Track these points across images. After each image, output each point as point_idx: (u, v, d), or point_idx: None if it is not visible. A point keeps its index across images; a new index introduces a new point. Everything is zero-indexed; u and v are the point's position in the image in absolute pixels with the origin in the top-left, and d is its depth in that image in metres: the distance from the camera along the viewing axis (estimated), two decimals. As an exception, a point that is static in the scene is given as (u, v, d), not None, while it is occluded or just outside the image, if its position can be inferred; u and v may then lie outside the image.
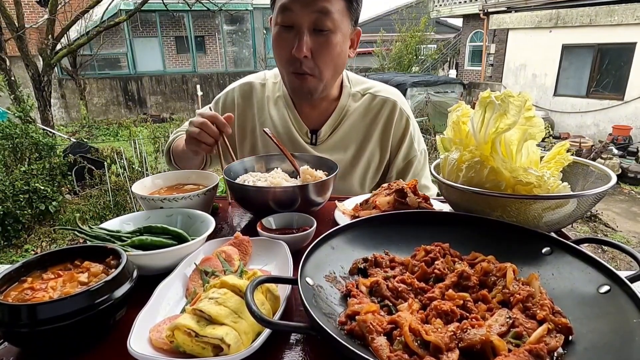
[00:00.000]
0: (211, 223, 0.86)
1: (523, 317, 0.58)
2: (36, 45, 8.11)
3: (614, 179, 0.80)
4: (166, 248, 0.76)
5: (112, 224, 0.88)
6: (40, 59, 7.67)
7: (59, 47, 7.94)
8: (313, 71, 1.21)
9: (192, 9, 9.07)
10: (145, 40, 14.33)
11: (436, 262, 0.70)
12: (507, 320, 0.57)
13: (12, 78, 7.29)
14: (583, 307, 0.60)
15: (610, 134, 9.25)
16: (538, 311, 0.58)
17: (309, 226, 0.91)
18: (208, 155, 1.44)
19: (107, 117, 13.22)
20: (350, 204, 1.08)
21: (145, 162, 5.57)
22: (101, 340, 0.63)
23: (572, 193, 0.79)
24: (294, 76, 1.23)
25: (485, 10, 12.87)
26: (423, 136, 1.57)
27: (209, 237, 0.84)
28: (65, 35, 8.13)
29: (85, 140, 9.12)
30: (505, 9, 12.07)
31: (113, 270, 0.64)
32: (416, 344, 0.52)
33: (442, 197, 1.11)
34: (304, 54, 1.15)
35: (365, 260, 0.73)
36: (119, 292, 0.61)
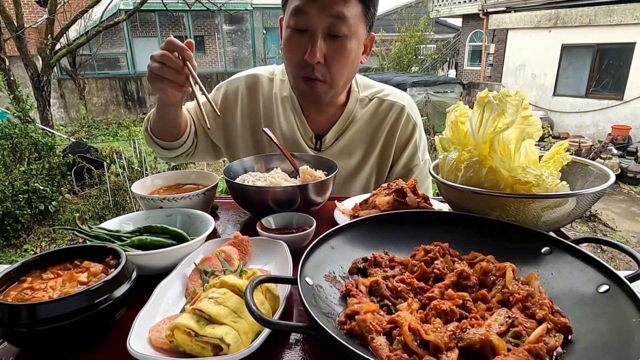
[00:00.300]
0: (211, 223, 0.86)
1: (522, 317, 0.58)
2: (35, 45, 8.10)
3: (613, 178, 0.80)
4: (166, 248, 0.76)
5: (112, 224, 0.88)
6: (40, 58, 7.66)
7: (58, 46, 7.93)
8: (324, 77, 1.16)
9: (192, 8, 9.05)
10: (145, 40, 14.33)
11: (436, 262, 0.70)
12: (507, 319, 0.57)
13: (12, 78, 7.29)
14: (582, 307, 0.60)
15: (609, 134, 9.26)
16: (537, 311, 0.59)
17: (308, 226, 0.91)
18: (193, 136, 1.34)
19: (107, 117, 13.22)
20: (349, 203, 1.08)
21: (145, 162, 5.57)
22: (101, 340, 0.63)
23: (570, 192, 0.79)
24: (303, 80, 1.18)
25: (485, 10, 12.88)
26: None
27: (209, 237, 0.84)
28: (64, 35, 8.12)
29: (84, 140, 9.12)
30: (505, 8, 12.08)
31: (113, 270, 0.64)
32: (415, 343, 0.52)
33: (441, 197, 1.11)
34: (317, 60, 1.10)
35: (365, 260, 0.73)
36: (119, 292, 0.61)
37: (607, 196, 6.48)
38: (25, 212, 4.60)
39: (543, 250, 0.72)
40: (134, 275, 0.66)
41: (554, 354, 0.53)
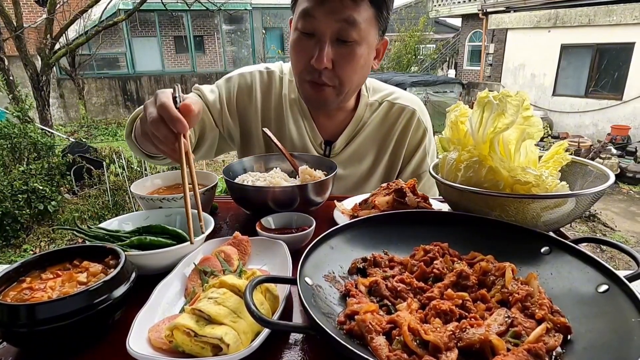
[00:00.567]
0: (210, 223, 0.86)
1: (522, 317, 0.58)
2: (35, 45, 8.09)
3: (612, 178, 0.80)
4: (165, 248, 0.76)
5: (111, 224, 0.88)
6: (39, 58, 7.65)
7: (57, 46, 7.92)
8: (332, 82, 1.12)
9: (191, 8, 9.05)
10: (144, 40, 14.33)
11: (435, 262, 0.70)
12: (506, 319, 0.57)
13: (11, 77, 7.28)
14: (582, 307, 0.60)
15: (608, 134, 9.26)
16: (537, 310, 0.59)
17: (308, 226, 0.91)
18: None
19: (106, 117, 13.21)
20: (349, 203, 1.08)
21: (144, 162, 5.56)
22: (100, 340, 0.63)
23: (570, 192, 0.79)
24: (309, 85, 1.14)
25: (484, 10, 12.88)
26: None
27: (208, 237, 0.84)
28: (63, 35, 8.11)
29: (84, 140, 9.11)
30: (504, 8, 12.09)
31: (112, 270, 0.64)
32: (415, 343, 0.52)
33: (441, 197, 1.11)
34: (324, 65, 1.06)
35: (364, 260, 0.73)
36: (118, 292, 0.61)
37: (606, 196, 6.49)
38: (24, 212, 4.59)
39: (542, 250, 0.72)
40: (134, 275, 0.66)
41: (554, 353, 0.53)
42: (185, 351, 0.56)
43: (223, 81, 1.35)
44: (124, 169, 5.23)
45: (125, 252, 0.68)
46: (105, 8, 8.53)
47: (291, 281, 0.62)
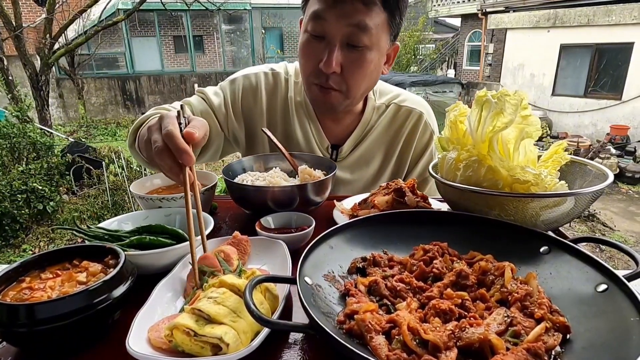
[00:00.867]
0: (210, 222, 0.86)
1: (521, 316, 0.58)
2: (34, 45, 8.08)
3: (611, 178, 0.80)
4: (165, 247, 0.76)
5: (111, 224, 0.88)
6: (38, 58, 7.64)
7: (56, 46, 7.92)
8: (340, 86, 1.10)
9: (191, 8, 9.04)
10: (144, 40, 14.32)
11: (435, 261, 0.70)
12: (505, 319, 0.57)
13: (10, 77, 7.27)
14: (581, 306, 0.61)
15: (608, 134, 9.27)
16: (536, 310, 0.59)
17: (307, 225, 0.91)
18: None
19: (105, 117, 13.21)
20: (348, 203, 1.08)
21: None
22: (100, 340, 0.63)
23: (569, 191, 0.79)
24: (317, 88, 1.12)
25: (484, 10, 12.89)
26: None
27: (208, 237, 0.84)
28: (63, 35, 8.11)
29: (83, 139, 9.11)
30: (504, 8, 12.09)
31: (112, 269, 0.64)
32: (415, 342, 0.52)
33: (440, 197, 1.11)
34: (333, 70, 1.04)
35: (364, 259, 0.73)
36: (118, 291, 0.61)
37: (605, 196, 6.50)
38: (23, 212, 4.59)
39: (542, 249, 0.72)
40: (133, 275, 0.66)
41: (553, 353, 0.53)
42: (185, 351, 0.56)
43: (227, 83, 1.33)
44: (123, 169, 5.23)
45: (125, 252, 0.68)
46: (105, 8, 8.53)
47: (291, 281, 0.62)
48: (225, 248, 0.79)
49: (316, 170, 1.12)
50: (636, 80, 9.32)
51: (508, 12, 11.91)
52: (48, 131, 7.08)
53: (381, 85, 1.38)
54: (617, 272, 0.60)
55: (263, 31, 15.79)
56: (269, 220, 0.95)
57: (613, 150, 8.33)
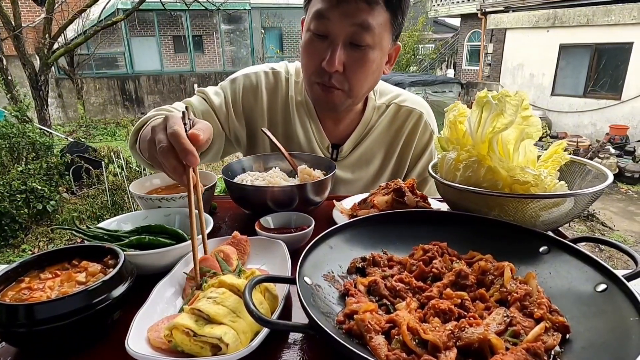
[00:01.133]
0: (209, 222, 0.86)
1: (520, 316, 0.58)
2: (33, 45, 8.08)
3: (611, 178, 0.80)
4: (164, 247, 0.76)
5: (110, 224, 0.88)
6: (37, 58, 7.64)
7: (56, 46, 7.92)
8: (342, 85, 1.10)
9: (190, 8, 9.04)
10: (143, 40, 14.31)
11: (434, 261, 0.71)
12: (505, 318, 0.57)
13: (9, 77, 7.27)
14: (580, 306, 0.61)
15: (607, 134, 9.28)
16: (535, 310, 0.59)
17: (307, 225, 0.91)
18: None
19: (105, 117, 13.20)
20: (348, 203, 1.08)
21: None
22: (99, 340, 0.63)
23: (568, 192, 0.79)
24: (319, 87, 1.12)
25: (483, 10, 12.89)
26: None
27: (207, 237, 0.83)
28: (62, 35, 8.10)
29: (82, 139, 9.10)
30: (503, 8, 12.10)
31: (111, 269, 0.64)
32: (414, 342, 0.52)
33: (439, 197, 1.11)
34: (335, 69, 1.05)
35: (364, 259, 0.73)
36: (117, 291, 0.61)
37: (605, 196, 6.50)
38: (23, 212, 4.58)
39: (541, 249, 0.72)
40: (133, 275, 0.66)
41: (552, 352, 0.53)
42: (185, 351, 0.56)
43: (228, 82, 1.33)
44: (122, 169, 5.23)
45: (124, 252, 0.68)
46: (104, 8, 8.54)
47: (290, 281, 0.62)
48: (225, 248, 0.79)
49: (316, 170, 1.12)
50: (635, 80, 9.33)
51: (507, 12, 11.92)
52: (47, 131, 7.08)
53: (381, 85, 1.38)
54: (616, 271, 0.60)
55: (262, 31, 15.79)
56: (268, 220, 0.95)
57: (612, 150, 8.34)
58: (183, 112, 0.76)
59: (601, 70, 10.05)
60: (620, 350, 0.50)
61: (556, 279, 0.67)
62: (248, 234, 0.86)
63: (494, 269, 0.67)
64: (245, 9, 14.66)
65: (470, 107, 0.87)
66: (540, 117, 0.82)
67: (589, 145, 8.54)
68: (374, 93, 1.33)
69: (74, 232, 0.80)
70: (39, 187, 4.73)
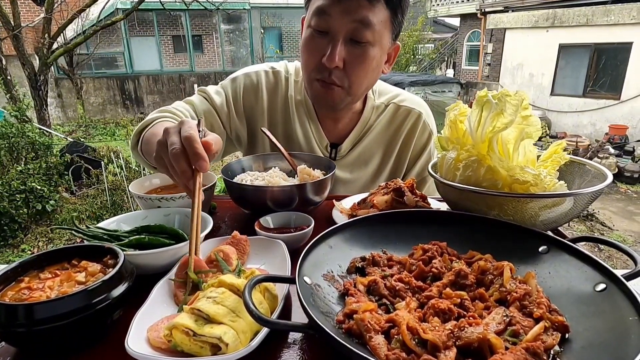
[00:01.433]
0: (209, 222, 0.86)
1: (520, 315, 0.58)
2: (32, 44, 8.08)
3: (610, 178, 0.80)
4: (164, 247, 0.76)
5: (110, 224, 0.88)
6: (37, 58, 7.64)
7: (55, 46, 7.91)
8: (342, 82, 1.11)
9: (190, 8, 9.04)
10: (143, 40, 14.30)
11: (434, 261, 0.71)
12: (504, 318, 0.57)
13: (8, 77, 7.27)
14: (579, 305, 0.61)
15: (606, 134, 9.28)
16: (535, 309, 0.59)
17: (306, 225, 0.91)
18: None
19: (104, 117, 13.19)
20: (348, 203, 1.08)
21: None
22: (99, 340, 0.62)
23: (568, 191, 0.79)
24: (319, 84, 1.13)
25: (483, 10, 12.89)
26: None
27: (207, 237, 0.84)
28: (61, 34, 8.09)
29: (82, 139, 9.08)
30: (502, 8, 12.10)
31: (110, 269, 0.64)
32: (414, 342, 0.52)
33: (439, 196, 1.11)
34: (336, 65, 1.05)
35: (363, 259, 0.73)
36: (117, 291, 0.61)
37: (604, 195, 6.50)
38: (22, 211, 4.58)
39: (540, 249, 0.72)
40: (132, 274, 0.66)
41: (552, 352, 0.53)
42: (184, 350, 0.56)
43: (228, 82, 1.33)
44: (122, 169, 5.22)
45: (124, 252, 0.68)
46: (104, 7, 8.53)
47: (290, 280, 0.62)
48: (225, 248, 0.79)
49: (315, 170, 1.12)
50: (635, 80, 9.33)
51: (507, 12, 11.91)
52: (47, 131, 7.07)
53: (380, 85, 1.38)
54: (615, 271, 0.60)
55: (262, 31, 15.78)
56: (268, 220, 0.95)
57: (612, 150, 8.34)
58: (199, 120, 0.78)
59: (600, 70, 10.05)
60: (620, 350, 0.50)
61: (555, 279, 0.67)
62: (248, 233, 0.86)
63: (493, 269, 0.67)
64: (244, 9, 14.65)
65: (470, 107, 0.87)
66: (539, 117, 0.82)
67: (589, 145, 8.54)
68: (372, 93, 1.34)
69: (73, 232, 0.80)
70: (39, 187, 4.72)
